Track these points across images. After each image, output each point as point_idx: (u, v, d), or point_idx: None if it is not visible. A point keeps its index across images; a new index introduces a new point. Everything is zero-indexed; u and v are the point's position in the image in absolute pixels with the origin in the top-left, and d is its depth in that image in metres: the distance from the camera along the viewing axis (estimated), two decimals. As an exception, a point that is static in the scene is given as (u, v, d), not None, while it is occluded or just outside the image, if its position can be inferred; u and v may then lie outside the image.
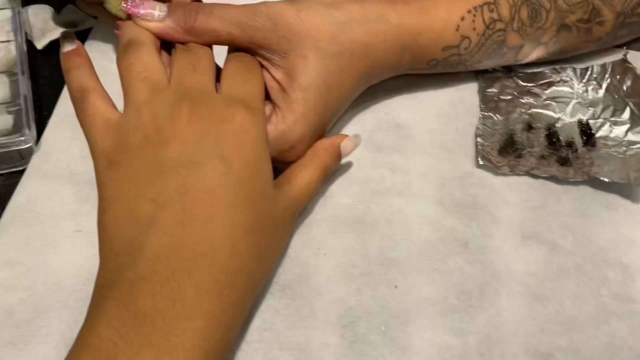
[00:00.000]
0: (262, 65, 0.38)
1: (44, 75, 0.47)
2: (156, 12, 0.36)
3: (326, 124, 0.39)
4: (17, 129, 0.41)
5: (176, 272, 0.29)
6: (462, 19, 0.43)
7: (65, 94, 0.44)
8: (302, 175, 0.37)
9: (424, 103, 0.48)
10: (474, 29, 0.43)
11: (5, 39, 0.44)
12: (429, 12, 0.42)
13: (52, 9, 0.50)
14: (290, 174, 0.37)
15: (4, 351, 0.32)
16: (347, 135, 0.40)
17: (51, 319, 0.34)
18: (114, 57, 0.47)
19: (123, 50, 0.35)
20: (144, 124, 0.32)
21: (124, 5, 0.36)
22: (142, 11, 0.36)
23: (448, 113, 0.47)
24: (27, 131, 0.39)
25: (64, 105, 0.43)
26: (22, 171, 0.41)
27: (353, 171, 0.43)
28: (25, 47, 0.43)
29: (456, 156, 0.45)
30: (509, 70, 0.50)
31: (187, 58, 0.35)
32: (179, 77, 0.34)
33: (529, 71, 0.50)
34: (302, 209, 0.38)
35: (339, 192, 0.42)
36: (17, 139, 0.39)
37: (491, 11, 0.44)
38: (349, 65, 0.39)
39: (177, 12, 0.36)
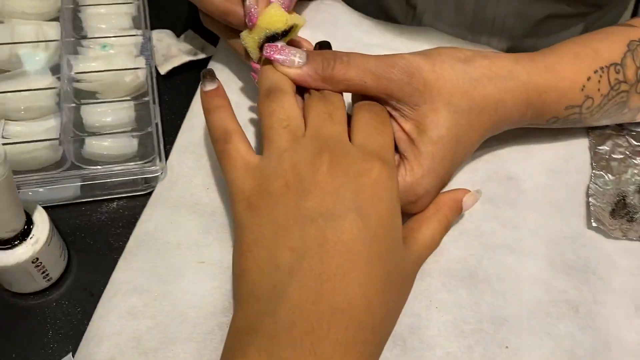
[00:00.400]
0: (390, 115, 0.39)
1: (165, 100, 0.49)
2: (296, 60, 0.37)
3: (450, 177, 0.39)
4: (142, 153, 0.43)
5: (316, 327, 0.29)
6: (589, 79, 0.42)
7: (188, 124, 0.46)
8: (426, 230, 0.37)
9: (535, 156, 0.47)
10: (599, 89, 0.43)
11: (133, 64, 0.46)
12: (555, 70, 0.42)
13: (173, 33, 0.51)
14: (415, 227, 0.37)
15: (135, 378, 0.34)
16: (468, 190, 0.40)
17: (177, 350, 0.35)
18: (234, 87, 0.48)
19: (266, 96, 0.36)
20: (286, 171, 0.33)
21: (267, 51, 0.37)
22: (283, 57, 0.37)
23: (559, 168, 0.47)
24: (157, 161, 0.40)
25: (188, 134, 0.45)
26: (144, 195, 0.43)
27: (464, 222, 0.43)
28: (155, 77, 0.44)
29: (567, 215, 0.44)
30: (621, 127, 0.49)
31: (324, 106, 0.36)
32: (317, 125, 0.35)
33: (642, 130, 0.49)
34: (423, 263, 0.38)
35: (449, 243, 0.42)
36: (148, 168, 0.40)
37: (617, 72, 0.43)
38: (478, 120, 0.39)
39: (316, 60, 0.37)
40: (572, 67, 0.42)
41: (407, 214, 0.39)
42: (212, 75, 0.38)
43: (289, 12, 0.40)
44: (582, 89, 0.42)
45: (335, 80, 0.37)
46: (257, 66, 0.42)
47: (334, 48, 0.42)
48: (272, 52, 0.37)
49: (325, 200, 0.32)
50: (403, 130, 0.38)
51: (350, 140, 0.36)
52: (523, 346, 0.38)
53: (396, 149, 0.39)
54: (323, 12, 0.54)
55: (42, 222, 0.36)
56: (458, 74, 0.38)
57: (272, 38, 0.39)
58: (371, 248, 0.32)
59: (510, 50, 0.67)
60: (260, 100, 0.36)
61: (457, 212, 0.39)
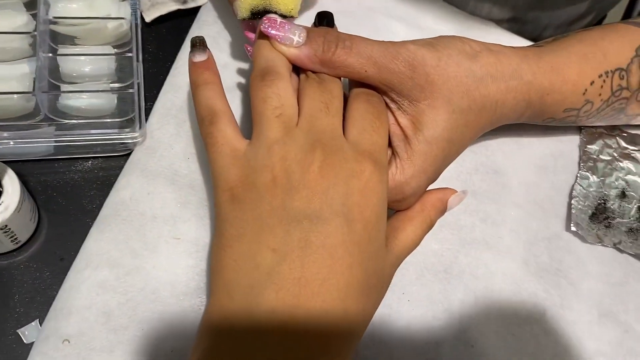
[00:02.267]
0: (388, 107, 0.37)
1: (148, 50, 0.46)
2: (295, 38, 0.35)
3: (439, 176, 0.38)
4: (121, 110, 0.41)
5: (290, 331, 0.29)
6: (592, 83, 0.41)
7: (171, 81, 0.43)
8: (409, 230, 0.36)
9: (524, 150, 0.47)
10: (600, 94, 0.42)
11: (117, 11, 0.43)
12: (560, 72, 0.40)
13: (161, -25, 0.47)
14: (397, 226, 0.37)
15: (101, 356, 0.33)
16: (455, 190, 0.39)
17: (147, 328, 0.35)
18: (223, 43, 0.45)
19: (260, 78, 0.34)
20: (274, 164, 0.32)
21: (265, 25, 0.34)
22: (282, 34, 0.35)
23: (547, 165, 0.46)
24: (137, 127, 0.38)
25: (172, 94, 0.42)
26: (121, 156, 0.41)
27: (445, 214, 0.43)
28: (140, 27, 0.41)
29: (548, 215, 0.44)
30: (613, 127, 0.49)
31: (321, 95, 0.34)
32: (311, 116, 0.33)
33: (633, 132, 0.49)
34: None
35: (429, 235, 0.41)
36: (127, 134, 0.38)
37: (621, 78, 0.42)
38: (475, 120, 0.38)
39: (317, 41, 0.35)
40: (578, 69, 0.41)
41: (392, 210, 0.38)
42: (203, 44, 0.36)
43: None
44: (584, 93, 0.41)
45: (335, 65, 0.35)
46: (251, 36, 0.39)
47: (334, 9, 0.38)
48: (269, 28, 0.35)
49: (313, 201, 0.31)
50: (398, 124, 0.37)
51: (344, 131, 0.35)
52: (488, 346, 0.39)
53: (389, 143, 0.37)
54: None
55: (12, 188, 0.34)
56: (462, 71, 0.36)
57: (268, 12, 0.37)
58: (353, 254, 0.31)
59: (512, 20, 0.65)
60: (254, 82, 0.34)
61: (442, 212, 0.39)
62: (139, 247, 0.37)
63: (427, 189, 0.38)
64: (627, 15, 0.86)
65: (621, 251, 0.44)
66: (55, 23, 0.41)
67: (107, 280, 0.35)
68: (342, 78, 0.36)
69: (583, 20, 0.68)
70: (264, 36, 0.35)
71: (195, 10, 0.47)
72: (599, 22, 0.73)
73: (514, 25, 0.66)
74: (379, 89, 0.37)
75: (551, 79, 0.40)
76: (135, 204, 0.38)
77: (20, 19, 0.41)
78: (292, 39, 0.35)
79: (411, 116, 0.36)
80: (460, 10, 0.52)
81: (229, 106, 0.35)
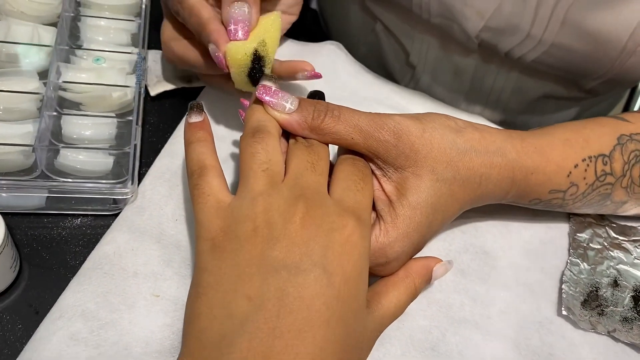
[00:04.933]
0: (373, 173, 0.38)
1: (150, 121, 0.48)
2: (287, 105, 0.36)
3: (424, 244, 0.38)
4: (116, 172, 0.42)
5: (261, 384, 0.28)
6: (576, 166, 0.42)
7: (168, 149, 0.45)
8: (392, 295, 0.36)
9: (513, 234, 0.47)
10: (585, 178, 0.42)
11: (124, 81, 0.45)
12: (544, 154, 0.41)
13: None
14: (380, 290, 0.36)
15: (63, 411, 0.32)
16: (440, 260, 0.39)
17: (114, 386, 0.33)
18: (222, 120, 0.47)
19: (250, 136, 0.35)
20: (257, 215, 0.32)
21: (260, 92, 0.36)
22: (275, 101, 0.36)
23: (536, 250, 0.46)
24: (129, 184, 0.39)
25: (167, 160, 0.44)
26: (110, 215, 0.41)
27: (434, 291, 0.42)
28: (143, 96, 0.44)
29: (538, 298, 0.43)
30: (602, 218, 0.49)
31: (308, 155, 0.35)
32: (297, 173, 0.34)
33: (623, 223, 0.49)
34: (385, 329, 0.37)
35: (416, 310, 0.41)
36: (118, 189, 0.39)
37: (605, 164, 0.43)
38: (460, 191, 0.38)
39: (307, 109, 0.36)
40: (561, 152, 0.42)
41: (375, 276, 0.38)
42: (199, 109, 0.38)
43: (253, 27, 0.40)
44: (569, 175, 0.42)
45: (323, 131, 0.36)
46: (246, 103, 0.41)
47: (329, 94, 0.41)
48: (263, 94, 0.37)
49: (293, 251, 0.31)
50: (383, 190, 0.37)
51: (329, 190, 0.35)
52: None
53: (374, 207, 0.38)
54: (324, 57, 0.54)
55: (-4, 230, 0.34)
56: (446, 143, 0.38)
57: (255, 70, 0.39)
58: (332, 308, 0.30)
59: (502, 123, 0.68)
60: (244, 138, 0.35)
61: (427, 281, 0.38)
62: (117, 301, 0.36)
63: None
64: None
65: (616, 340, 0.42)
66: (64, 90, 0.44)
67: (79, 333, 0.34)
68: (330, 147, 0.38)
69: (572, 126, 0.71)
70: (258, 101, 0.37)
71: (199, 90, 0.49)
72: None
73: (506, 127, 0.69)
74: (365, 156, 0.38)
75: (535, 159, 0.41)
76: (118, 259, 0.38)
77: (32, 85, 0.44)
78: (284, 105, 0.37)
79: (396, 183, 0.37)
80: (449, 107, 0.55)
81: (219, 163, 0.36)
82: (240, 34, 0.39)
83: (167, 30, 0.45)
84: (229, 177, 0.43)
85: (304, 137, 0.37)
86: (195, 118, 0.37)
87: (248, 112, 0.37)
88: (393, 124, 0.37)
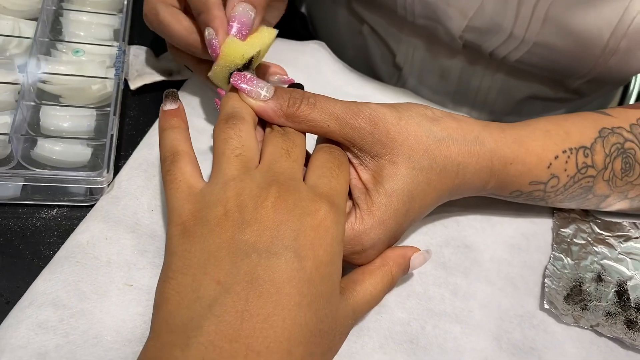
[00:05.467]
0: (350, 161, 0.38)
1: (130, 115, 0.48)
2: (263, 92, 0.36)
3: (401, 233, 0.38)
4: (94, 164, 0.41)
5: (227, 367, 0.27)
6: (556, 157, 0.42)
7: (147, 141, 0.44)
8: (368, 283, 0.35)
9: (496, 228, 0.46)
10: (565, 170, 0.42)
11: (104, 74, 0.45)
12: (523, 144, 0.41)
13: (152, 51, 0.51)
14: (356, 278, 0.36)
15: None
16: (418, 249, 0.38)
17: (83, 374, 0.32)
18: (202, 113, 0.47)
19: (224, 122, 0.35)
20: (228, 199, 0.32)
21: (235, 79, 0.36)
22: (250, 88, 0.36)
23: (519, 244, 0.46)
24: (105, 172, 0.39)
25: (145, 151, 0.43)
26: (86, 207, 0.41)
27: (413, 284, 0.41)
28: (122, 87, 0.43)
29: (520, 292, 0.43)
30: (587, 213, 0.49)
31: (283, 142, 0.35)
32: (272, 160, 0.34)
33: (607, 219, 0.48)
34: (360, 318, 0.36)
35: (395, 303, 0.40)
36: (93, 178, 0.39)
37: (586, 156, 0.43)
38: (437, 180, 0.38)
39: (283, 97, 0.36)
40: (541, 143, 0.42)
41: (352, 265, 0.37)
42: (174, 96, 0.37)
43: (252, 32, 0.40)
44: (549, 167, 0.42)
45: (298, 119, 0.36)
46: (223, 92, 0.41)
47: (311, 90, 0.41)
48: (239, 81, 0.36)
49: (264, 235, 0.31)
50: (360, 178, 0.37)
51: (304, 178, 0.35)
52: None
53: (350, 196, 0.37)
54: (307, 55, 0.54)
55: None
56: (423, 131, 0.37)
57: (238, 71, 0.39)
58: (303, 292, 0.30)
59: (490, 124, 0.68)
60: (217, 125, 0.35)
61: (404, 270, 0.38)
62: (89, 290, 0.36)
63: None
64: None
65: (599, 334, 0.42)
66: (43, 82, 0.44)
67: (48, 321, 0.34)
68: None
69: (560, 128, 0.71)
70: (233, 89, 0.37)
71: (180, 83, 0.49)
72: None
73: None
74: (342, 145, 0.38)
75: (514, 149, 0.41)
76: (92, 248, 0.37)
77: (11, 77, 0.44)
78: (259, 93, 0.36)
79: (372, 171, 0.37)
80: (433, 104, 0.55)
81: (192, 149, 0.35)
82: (240, 35, 0.40)
83: None
84: (208, 170, 0.43)
85: (280, 126, 0.37)
86: (170, 105, 0.37)
87: (223, 100, 0.37)
88: (369, 112, 0.37)
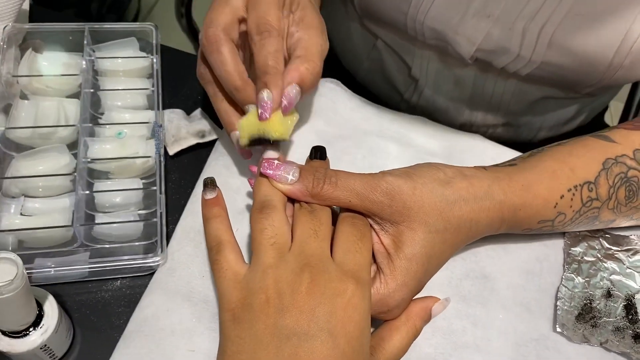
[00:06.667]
0: (372, 227, 0.42)
1: (172, 179, 0.53)
2: (289, 177, 0.41)
3: (422, 288, 0.43)
4: (147, 233, 0.47)
5: None
6: (562, 197, 0.45)
7: (190, 208, 0.50)
8: (395, 339, 0.41)
9: (511, 255, 0.50)
10: (571, 206, 0.46)
11: (145, 148, 0.50)
12: (531, 189, 0.45)
13: (184, 112, 0.55)
14: (384, 336, 0.41)
15: None
16: (438, 299, 0.43)
17: None
18: (235, 171, 0.52)
19: (258, 212, 0.39)
20: (268, 287, 0.37)
21: (264, 167, 0.41)
22: (278, 173, 0.41)
23: (533, 269, 0.50)
24: (159, 251, 0.44)
25: (191, 219, 0.49)
26: (146, 275, 0.47)
27: (437, 319, 0.47)
28: (164, 163, 0.48)
29: (535, 317, 0.48)
30: (596, 229, 0.52)
31: (311, 222, 0.40)
32: (302, 241, 0.39)
33: (616, 233, 0.52)
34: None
35: (422, 340, 0.45)
36: (151, 259, 0.44)
37: (590, 190, 0.46)
38: (452, 238, 0.42)
39: (307, 178, 0.41)
40: (547, 186, 0.45)
41: (380, 320, 0.42)
42: (213, 184, 0.42)
43: (274, 111, 0.44)
44: (555, 206, 0.45)
45: (323, 197, 0.41)
46: (254, 169, 0.45)
47: (332, 135, 0.45)
48: (267, 169, 0.41)
49: (301, 319, 0.36)
50: (382, 243, 0.42)
51: (332, 251, 0.40)
52: None
53: (374, 259, 0.42)
54: (323, 97, 0.57)
55: (52, 312, 0.40)
56: (436, 197, 0.41)
57: (264, 140, 0.43)
58: (339, 366, 0.36)
59: (506, 125, 0.71)
60: (253, 215, 0.40)
61: (427, 320, 0.43)
62: (159, 359, 0.42)
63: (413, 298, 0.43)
64: (627, 106, 0.91)
65: (608, 350, 0.46)
66: (91, 161, 0.49)
67: (130, 391, 0.40)
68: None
69: (575, 120, 0.73)
70: (263, 174, 0.42)
71: (212, 143, 0.54)
72: (593, 120, 0.77)
73: (510, 129, 0.72)
74: (364, 213, 0.42)
75: (522, 196, 0.44)
76: (156, 321, 0.43)
77: (64, 160, 0.49)
78: (286, 177, 0.41)
79: (393, 236, 0.41)
80: (447, 128, 0.58)
81: (234, 236, 0.40)
82: (284, 111, 0.44)
83: (224, 18, 0.46)
84: (245, 229, 0.48)
85: (307, 203, 0.42)
86: (209, 195, 0.42)
87: (255, 186, 0.42)
88: (386, 185, 0.41)
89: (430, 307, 0.43)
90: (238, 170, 0.52)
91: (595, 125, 0.78)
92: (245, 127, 0.45)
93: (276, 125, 0.44)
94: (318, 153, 0.45)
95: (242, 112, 0.47)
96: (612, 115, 1.31)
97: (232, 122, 0.47)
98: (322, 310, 0.36)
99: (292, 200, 0.43)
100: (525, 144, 0.74)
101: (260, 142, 0.44)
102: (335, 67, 0.79)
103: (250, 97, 0.45)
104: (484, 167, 0.46)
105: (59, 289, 0.45)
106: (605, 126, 0.80)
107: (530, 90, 0.64)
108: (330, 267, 0.38)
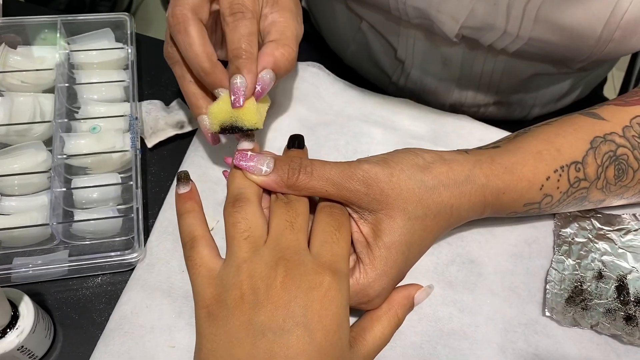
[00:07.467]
0: (351, 216, 0.41)
1: (151, 171, 0.52)
2: (263, 168, 0.40)
3: (403, 276, 0.42)
4: (127, 227, 0.46)
5: None
6: (548, 178, 0.44)
7: (170, 200, 0.49)
8: (377, 329, 0.40)
9: (498, 239, 0.49)
10: (558, 187, 0.45)
11: (122, 142, 0.49)
12: (514, 172, 0.43)
13: (162, 103, 0.54)
14: (365, 326, 0.40)
15: None
16: (421, 286, 0.42)
17: None
18: (216, 163, 0.51)
19: (231, 205, 0.39)
20: (242, 282, 0.36)
21: (237, 158, 0.40)
22: (252, 165, 0.40)
23: (521, 252, 0.49)
24: (137, 247, 0.44)
25: (170, 212, 0.48)
26: (127, 271, 0.46)
27: (423, 306, 0.46)
28: (140, 157, 0.47)
29: (524, 301, 0.47)
30: (587, 209, 0.51)
31: (286, 214, 0.39)
32: (277, 234, 0.38)
33: (608, 212, 0.51)
34: (373, 360, 0.41)
35: (408, 328, 0.45)
36: (129, 256, 0.44)
37: (578, 170, 0.45)
38: (432, 224, 0.41)
39: (282, 169, 0.40)
40: (532, 167, 0.44)
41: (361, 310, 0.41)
42: (186, 178, 0.41)
43: (247, 98, 0.43)
44: (541, 188, 0.44)
45: (298, 188, 0.40)
46: (229, 161, 0.44)
47: (315, 120, 0.43)
48: (241, 161, 0.40)
49: (276, 314, 0.35)
50: (361, 232, 0.41)
51: (309, 242, 0.39)
52: None
53: (354, 249, 0.41)
54: (306, 82, 0.56)
55: (27, 312, 0.39)
56: (414, 183, 0.40)
57: (236, 128, 0.42)
58: (315, 360, 0.35)
59: (497, 104, 0.69)
60: (226, 208, 0.39)
61: (409, 309, 0.42)
62: (139, 356, 0.41)
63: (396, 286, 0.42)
64: (627, 75, 0.88)
65: (599, 333, 0.46)
66: (67, 157, 0.48)
67: (109, 389, 0.40)
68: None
69: (569, 96, 0.71)
70: (237, 167, 0.41)
71: (191, 134, 0.53)
72: (591, 93, 0.75)
73: (501, 107, 0.70)
74: (342, 203, 0.41)
75: (505, 179, 0.43)
76: (136, 317, 0.43)
77: (40, 156, 0.48)
78: (260, 169, 0.40)
79: (371, 224, 0.40)
80: (433, 109, 0.56)
81: (208, 230, 0.40)
82: (257, 98, 0.43)
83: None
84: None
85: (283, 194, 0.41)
86: (183, 189, 0.41)
87: (229, 179, 0.41)
88: (362, 173, 0.40)
89: (413, 295, 0.42)
90: (218, 161, 0.51)
91: (593, 98, 0.76)
92: (215, 113, 0.43)
93: (249, 114, 0.42)
94: (296, 142, 0.44)
95: (212, 95, 0.45)
96: (615, 86, 1.29)
97: (200, 105, 0.45)
98: (298, 304, 0.35)
99: (269, 192, 0.42)
100: (519, 122, 0.72)
101: (233, 130, 0.43)
102: (323, 50, 0.77)
103: (219, 81, 0.43)
104: (466, 151, 0.45)
105: (39, 287, 0.45)
106: (604, 99, 0.78)
107: (521, 67, 0.63)
108: (306, 259, 0.37)
